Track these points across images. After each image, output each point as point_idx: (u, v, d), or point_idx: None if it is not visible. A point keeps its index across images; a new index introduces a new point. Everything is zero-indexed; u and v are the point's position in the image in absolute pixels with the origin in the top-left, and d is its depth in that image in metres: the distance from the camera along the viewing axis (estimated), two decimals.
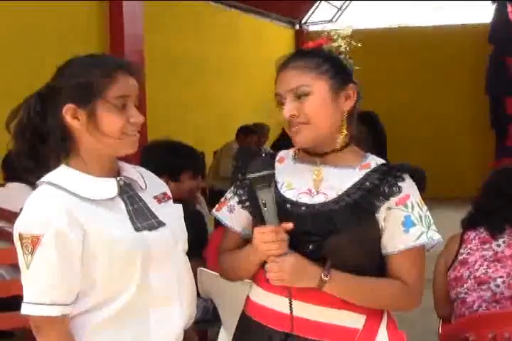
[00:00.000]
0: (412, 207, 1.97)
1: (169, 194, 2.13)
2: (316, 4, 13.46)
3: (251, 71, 11.03)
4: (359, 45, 2.10)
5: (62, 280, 1.81)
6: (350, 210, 1.93)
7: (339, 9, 13.80)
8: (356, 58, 2.07)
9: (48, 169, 1.93)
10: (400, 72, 12.49)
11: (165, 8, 8.98)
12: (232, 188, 2.17)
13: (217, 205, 2.21)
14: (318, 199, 1.98)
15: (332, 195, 1.97)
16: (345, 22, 13.74)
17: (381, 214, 1.95)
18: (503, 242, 3.02)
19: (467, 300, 2.98)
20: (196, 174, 3.49)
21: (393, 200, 1.95)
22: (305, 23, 13.75)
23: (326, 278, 1.87)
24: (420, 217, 1.97)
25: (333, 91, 1.99)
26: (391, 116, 11.53)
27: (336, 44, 2.09)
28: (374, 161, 2.06)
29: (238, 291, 2.22)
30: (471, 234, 3.11)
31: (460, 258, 3.07)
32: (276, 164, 2.12)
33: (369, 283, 1.96)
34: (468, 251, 3.06)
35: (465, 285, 3.00)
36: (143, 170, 2.12)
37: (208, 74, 10.15)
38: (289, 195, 2.01)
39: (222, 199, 2.19)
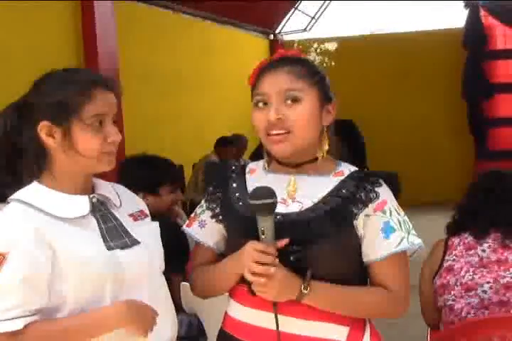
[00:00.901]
0: (391, 213, 1.94)
1: (146, 211, 2.08)
2: (289, 14, 13.48)
3: (226, 82, 11.00)
4: (333, 63, 2.08)
5: (25, 299, 1.74)
6: (328, 218, 1.90)
7: (313, 18, 13.83)
8: (332, 66, 2.05)
9: (24, 185, 1.88)
10: (377, 79, 12.52)
11: (138, 22, 8.96)
12: (202, 203, 2.12)
13: (187, 221, 2.16)
14: (293, 208, 1.94)
15: (307, 203, 1.94)
16: (319, 31, 13.78)
17: (359, 222, 1.92)
18: (488, 247, 2.99)
19: (455, 307, 2.94)
20: (175, 187, 3.46)
21: (371, 207, 1.92)
22: (279, 32, 13.76)
23: (306, 291, 1.84)
24: (399, 222, 1.94)
25: (320, 104, 1.96)
26: (371, 123, 11.61)
27: (310, 57, 2.06)
28: (347, 169, 2.03)
29: (222, 305, 2.18)
30: (455, 240, 3.07)
31: (445, 265, 3.03)
32: (247, 176, 2.08)
33: (352, 292, 1.92)
34: (454, 257, 3.02)
35: (452, 292, 2.96)
36: (119, 187, 2.07)
37: (184, 87, 10.12)
38: None
39: (192, 215, 2.15)
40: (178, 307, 3.25)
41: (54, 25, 7.29)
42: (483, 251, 2.98)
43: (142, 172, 3.31)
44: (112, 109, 1.88)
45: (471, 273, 2.95)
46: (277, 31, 13.73)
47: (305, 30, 13.93)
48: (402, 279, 1.96)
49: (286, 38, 13.88)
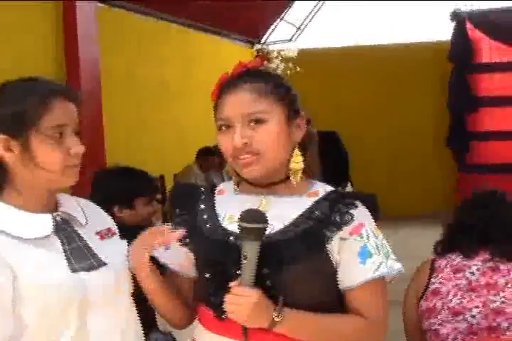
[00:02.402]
0: (368, 237, 1.82)
1: (114, 229, 1.97)
2: (275, 24, 13.44)
3: (210, 91, 10.88)
4: (298, 69, 1.98)
5: None
6: (299, 241, 1.77)
7: (298, 28, 13.80)
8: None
9: None
10: (363, 90, 12.46)
11: (123, 30, 8.87)
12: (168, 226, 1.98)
13: None
14: None
15: (278, 225, 1.81)
16: (305, 41, 13.76)
17: (334, 246, 1.79)
18: (477, 270, 2.86)
19: (440, 332, 2.79)
20: (151, 199, 3.36)
21: (346, 230, 1.80)
22: (264, 42, 13.72)
23: (278, 319, 1.71)
24: (377, 246, 1.82)
25: (288, 121, 1.85)
26: (357, 134, 11.55)
27: (273, 65, 1.97)
28: (322, 188, 1.91)
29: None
30: (442, 263, 2.94)
31: (432, 287, 2.89)
32: (216, 197, 1.97)
33: (327, 320, 1.80)
34: (440, 280, 2.88)
35: (439, 317, 2.81)
36: (85, 202, 1.96)
37: (167, 95, 10.03)
38: (231, 227, 1.84)
39: None
40: (154, 326, 3.15)
41: (34, 31, 7.16)
42: (472, 273, 2.86)
43: (116, 185, 3.21)
44: (73, 120, 1.78)
45: (459, 297, 2.82)
46: (262, 41, 13.69)
47: (290, 40, 13.90)
48: (381, 307, 1.84)
49: (272, 48, 13.84)
